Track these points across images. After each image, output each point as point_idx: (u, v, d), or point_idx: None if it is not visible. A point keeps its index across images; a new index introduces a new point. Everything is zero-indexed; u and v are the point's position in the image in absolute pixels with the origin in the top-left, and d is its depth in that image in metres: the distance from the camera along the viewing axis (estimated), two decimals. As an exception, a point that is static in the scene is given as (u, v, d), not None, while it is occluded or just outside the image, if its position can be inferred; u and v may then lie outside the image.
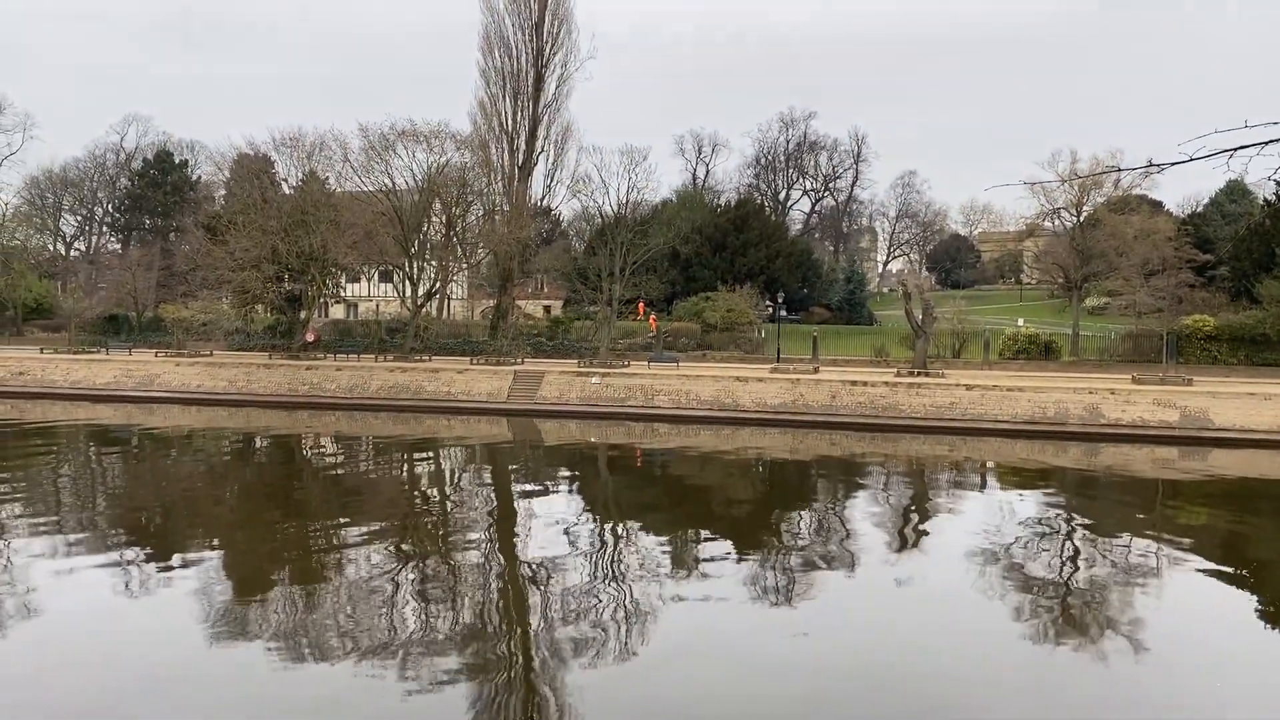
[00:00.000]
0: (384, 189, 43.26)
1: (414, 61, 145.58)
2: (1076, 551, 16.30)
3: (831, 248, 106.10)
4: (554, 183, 54.14)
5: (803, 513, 19.82)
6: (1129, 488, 22.76)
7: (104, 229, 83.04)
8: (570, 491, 22.12)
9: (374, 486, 22.60)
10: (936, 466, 25.91)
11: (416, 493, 22.07)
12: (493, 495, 21.64)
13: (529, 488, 22.38)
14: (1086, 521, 18.79)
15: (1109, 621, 12.65)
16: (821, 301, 73.05)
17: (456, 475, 24.68)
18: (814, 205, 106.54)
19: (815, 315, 69.04)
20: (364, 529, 17.12)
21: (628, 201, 46.31)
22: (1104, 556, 16.00)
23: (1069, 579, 14.55)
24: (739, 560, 15.25)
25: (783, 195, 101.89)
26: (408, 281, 45.06)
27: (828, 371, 37.57)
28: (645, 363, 40.07)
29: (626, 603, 12.87)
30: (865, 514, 19.29)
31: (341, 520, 18.00)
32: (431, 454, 27.69)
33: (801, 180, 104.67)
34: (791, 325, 58.83)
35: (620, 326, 48.38)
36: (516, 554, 15.86)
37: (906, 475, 24.61)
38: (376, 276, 58.64)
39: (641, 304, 46.30)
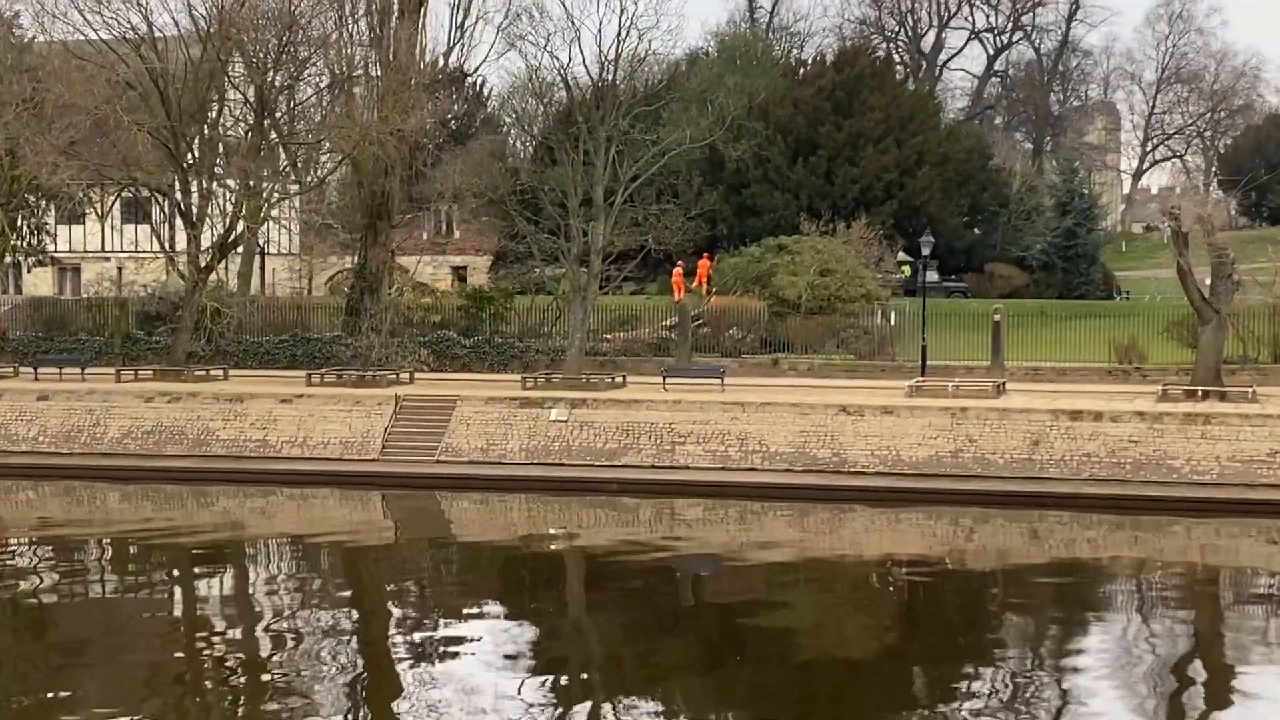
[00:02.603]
0: (132, 37, 43.36)
1: None
2: None
3: (1030, 144, 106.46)
4: (471, 23, 54.52)
5: (979, 671, 19.82)
6: None
7: None
8: (507, 639, 22.02)
9: (113, 634, 22.50)
10: (1245, 579, 25.83)
11: (196, 646, 21.93)
12: (349, 649, 21.62)
13: (425, 633, 22.34)
14: None
15: None
16: (1010, 253, 73.12)
17: (279, 609, 24.60)
18: (992, 61, 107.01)
19: (998, 280, 68.95)
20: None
21: (618, 57, 46.33)
22: None
23: None
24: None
25: (928, 42, 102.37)
26: (181, 220, 45.18)
27: (1023, 392, 37.62)
28: (658, 376, 40.08)
29: None
30: (1103, 672, 19.27)
31: (49, 698, 17.98)
32: (228, 567, 27.61)
33: (968, 11, 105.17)
34: (950, 301, 58.84)
35: (610, 305, 48.32)
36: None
37: (1185, 596, 24.44)
38: (118, 211, 58.80)
39: (706, 262, 46.62)
